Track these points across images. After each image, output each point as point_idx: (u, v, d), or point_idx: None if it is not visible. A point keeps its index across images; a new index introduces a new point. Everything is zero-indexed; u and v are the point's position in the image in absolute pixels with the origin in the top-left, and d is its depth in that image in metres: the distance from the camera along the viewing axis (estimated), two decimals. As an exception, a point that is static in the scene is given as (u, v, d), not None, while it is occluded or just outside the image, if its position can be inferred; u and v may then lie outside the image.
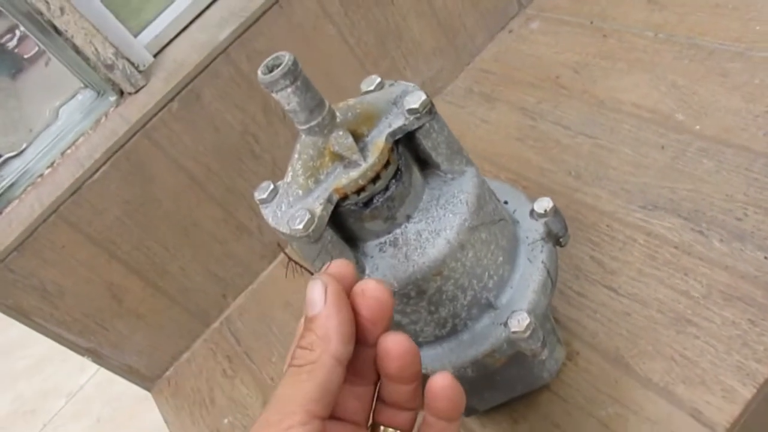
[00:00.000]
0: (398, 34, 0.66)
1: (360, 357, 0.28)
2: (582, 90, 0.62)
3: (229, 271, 0.66)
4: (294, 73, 0.30)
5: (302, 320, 0.28)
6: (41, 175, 0.58)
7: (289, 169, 0.34)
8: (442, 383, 0.27)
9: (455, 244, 0.34)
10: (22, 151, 0.59)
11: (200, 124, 0.59)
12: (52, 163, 0.58)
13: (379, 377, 0.29)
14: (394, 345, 0.27)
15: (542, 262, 0.38)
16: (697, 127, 0.53)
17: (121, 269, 0.60)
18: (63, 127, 0.59)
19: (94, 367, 0.63)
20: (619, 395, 0.43)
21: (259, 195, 0.35)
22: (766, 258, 0.44)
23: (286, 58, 0.30)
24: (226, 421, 0.59)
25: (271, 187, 0.35)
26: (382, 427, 0.29)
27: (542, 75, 0.66)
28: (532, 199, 0.41)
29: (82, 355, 0.62)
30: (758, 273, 0.43)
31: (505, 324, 0.36)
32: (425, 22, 0.68)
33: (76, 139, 0.58)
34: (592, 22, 0.68)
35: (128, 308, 0.62)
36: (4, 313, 0.56)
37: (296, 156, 0.33)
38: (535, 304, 0.37)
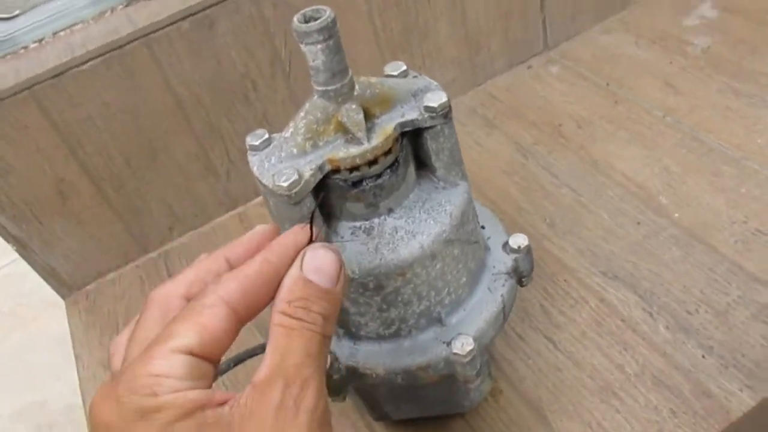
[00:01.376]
0: (425, 32, 0.66)
1: None
2: (579, 145, 0.63)
3: (184, 206, 0.64)
4: (330, 31, 0.29)
5: (296, 272, 0.27)
6: (26, 47, 0.55)
7: (291, 125, 0.33)
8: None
9: (428, 251, 0.34)
10: (13, 17, 0.56)
11: (204, 53, 0.57)
12: (41, 40, 0.55)
13: None
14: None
15: (501, 295, 0.38)
16: (677, 215, 0.54)
17: (76, 169, 0.57)
18: (63, 8, 0.56)
19: (11, 257, 0.60)
20: (528, 444, 0.43)
21: (252, 140, 0.34)
22: (703, 357, 0.45)
23: (327, 13, 0.29)
24: (134, 352, 0.57)
25: (266, 136, 0.34)
26: None
27: (546, 118, 0.67)
28: (509, 232, 0.41)
29: (8, 241, 0.59)
30: (692, 369, 0.44)
31: (449, 343, 0.35)
32: (453, 30, 0.67)
33: (74, 24, 0.55)
34: (608, 84, 0.68)
35: (71, 210, 0.59)
36: (-57, 174, 0.53)
37: (302, 114, 0.32)
38: (482, 333, 0.36)
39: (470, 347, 0.35)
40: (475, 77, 0.72)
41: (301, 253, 0.28)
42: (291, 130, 0.32)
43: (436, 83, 0.34)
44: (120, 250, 0.64)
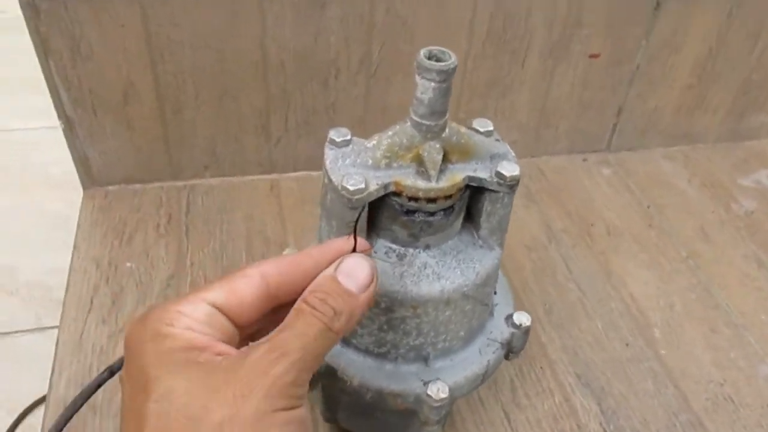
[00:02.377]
0: (507, 90, 0.68)
1: None
2: (602, 251, 0.65)
3: (226, 152, 0.66)
4: (448, 75, 0.31)
5: (328, 271, 0.30)
6: (153, -44, 0.57)
7: (376, 137, 0.35)
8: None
9: (445, 296, 0.36)
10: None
11: (307, 27, 0.59)
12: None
13: None
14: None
15: (488, 360, 0.40)
16: (663, 352, 0.56)
17: (149, 80, 0.59)
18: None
19: (47, 121, 0.61)
20: (451, 500, 0.45)
21: (334, 135, 0.36)
22: (637, 490, 0.47)
23: (451, 59, 0.31)
24: (129, 264, 0.59)
25: (348, 136, 0.36)
26: None
27: (582, 213, 0.69)
28: (515, 307, 0.43)
29: (59, 117, 0.61)
30: (623, 496, 0.46)
31: (426, 384, 0.37)
32: (533, 99, 0.70)
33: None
34: (648, 207, 0.71)
35: (127, 114, 0.61)
36: (31, 37, 0.55)
37: (390, 133, 0.34)
38: (459, 387, 0.38)
39: (444, 395, 0.37)
40: (534, 148, 0.74)
41: (342, 259, 0.31)
42: (374, 142, 0.34)
43: (513, 154, 0.36)
44: (153, 168, 0.66)
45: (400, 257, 0.36)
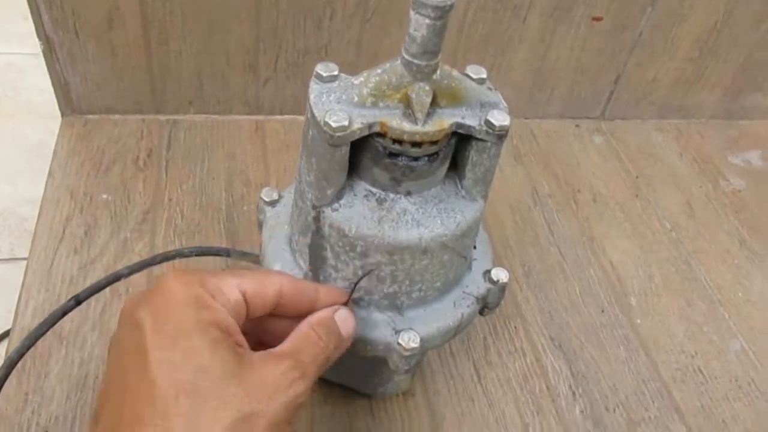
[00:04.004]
0: (505, 47, 0.66)
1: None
2: (586, 217, 0.65)
3: (212, 89, 0.64)
4: (444, 13, 0.30)
5: (331, 314, 0.34)
6: None
7: (364, 74, 0.33)
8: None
9: (423, 245, 0.35)
10: None
11: (304, -37, 0.57)
12: None
13: None
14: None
15: (462, 314, 0.39)
16: (638, 320, 0.56)
17: (135, 5, 0.57)
18: None
19: (26, 47, 0.59)
20: (414, 450, 0.45)
21: (321, 70, 0.34)
22: (599, 453, 0.47)
23: (449, -2, 0.30)
24: (105, 196, 0.58)
25: (335, 72, 0.34)
26: None
27: (569, 179, 0.68)
28: (494, 263, 0.42)
29: (39, 38, 0.59)
30: (585, 458, 0.47)
31: (397, 333, 0.37)
32: (531, 59, 0.68)
33: None
34: (637, 177, 0.70)
35: (111, 39, 0.59)
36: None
37: (379, 71, 0.33)
38: (430, 338, 0.38)
39: (415, 345, 0.36)
40: (526, 110, 0.73)
41: (338, 306, 0.35)
42: (361, 79, 0.33)
43: (505, 104, 0.35)
44: (135, 99, 0.64)
45: (380, 201, 0.35)
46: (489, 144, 0.35)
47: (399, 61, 0.33)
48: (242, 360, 0.28)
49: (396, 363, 0.37)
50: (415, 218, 0.35)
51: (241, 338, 0.30)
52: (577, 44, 0.68)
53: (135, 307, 0.29)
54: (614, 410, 0.50)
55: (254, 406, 0.27)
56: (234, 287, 0.31)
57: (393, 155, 0.34)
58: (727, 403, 0.52)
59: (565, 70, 0.70)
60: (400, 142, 0.33)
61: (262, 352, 0.30)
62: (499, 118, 0.34)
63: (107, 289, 0.45)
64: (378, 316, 0.38)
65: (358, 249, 0.35)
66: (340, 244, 0.35)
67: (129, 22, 0.58)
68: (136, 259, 0.53)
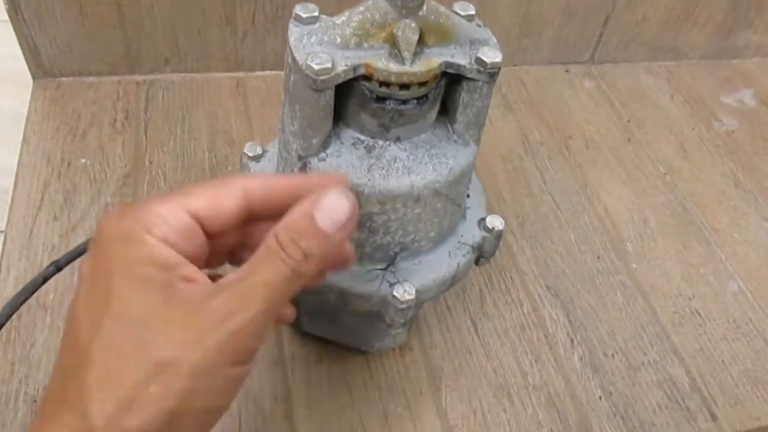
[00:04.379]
0: (490, -9, 0.64)
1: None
2: (578, 163, 0.63)
3: (189, 46, 0.62)
4: (427, -58, 0.28)
5: (304, 207, 0.27)
6: None
7: (346, 14, 0.31)
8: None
9: (415, 192, 0.33)
10: None
11: None
12: None
13: None
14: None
15: (458, 263, 0.38)
16: (634, 265, 0.56)
17: (102, -41, 0.54)
18: None
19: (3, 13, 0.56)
20: (413, 405, 0.45)
21: (300, 11, 0.32)
22: (600, 398, 0.47)
23: (432, -77, 0.28)
24: (83, 160, 0.56)
25: (315, 13, 0.32)
26: None
27: (561, 125, 0.67)
28: (488, 211, 0.41)
29: (2, -2, 0.56)
30: (585, 404, 0.46)
31: (392, 285, 0.36)
32: (515, 2, 0.66)
33: None
34: (629, 121, 0.69)
35: (78, -2, 0.56)
36: None
37: (361, 8, 0.31)
38: (426, 289, 0.37)
39: (410, 297, 0.35)
40: (514, 56, 0.71)
41: (325, 191, 0.27)
42: (343, 18, 0.31)
43: (495, 41, 0.34)
44: (109, 59, 0.61)
45: (369, 149, 0.34)
46: (480, 83, 0.33)
47: (382, -2, 0.31)
48: (170, 300, 0.25)
49: (391, 317, 0.36)
50: (405, 165, 0.33)
51: (190, 270, 0.26)
52: (564, -15, 0.66)
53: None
54: (613, 356, 0.49)
55: (176, 353, 0.23)
56: (179, 210, 0.27)
57: (380, 99, 0.32)
58: (725, 344, 0.51)
59: (552, 13, 0.68)
60: (387, 84, 0.31)
61: (202, 286, 0.26)
62: (490, 55, 0.32)
63: (89, 255, 0.44)
64: (371, 269, 0.37)
65: (348, 200, 0.34)
66: (329, 195, 0.34)
67: (96, -24, 0.55)
68: (119, 224, 0.51)
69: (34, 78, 0.61)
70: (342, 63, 0.30)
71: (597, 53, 0.73)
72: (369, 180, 0.33)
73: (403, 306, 0.35)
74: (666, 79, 0.75)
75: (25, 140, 0.57)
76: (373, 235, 0.35)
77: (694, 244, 0.58)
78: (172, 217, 0.26)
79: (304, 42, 0.31)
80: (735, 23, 0.76)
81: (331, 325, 0.43)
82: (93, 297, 0.25)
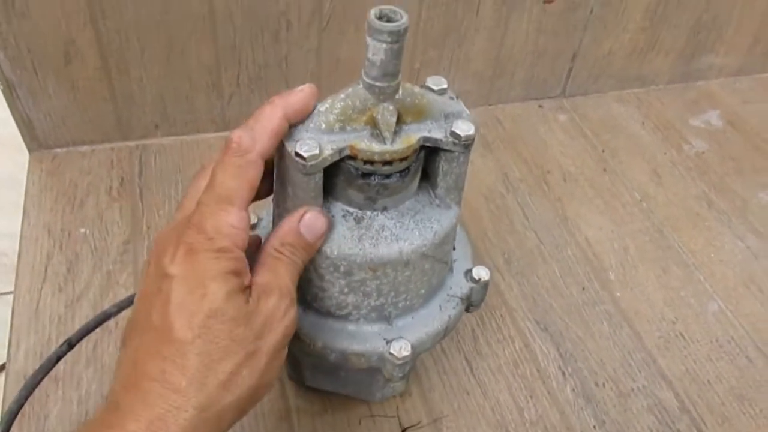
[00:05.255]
0: (462, 39, 0.67)
1: None
2: (558, 197, 0.66)
3: (177, 111, 0.64)
4: (399, 37, 0.31)
5: (294, 225, 0.35)
6: None
7: (329, 101, 0.34)
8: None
9: (404, 258, 0.36)
10: None
11: (254, -23, 0.57)
12: None
13: None
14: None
15: (449, 316, 0.40)
16: (618, 294, 0.58)
17: (91, 37, 0.57)
18: None
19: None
20: (417, 448, 0.47)
21: (286, 99, 0.35)
22: (594, 428, 0.49)
23: (403, 19, 0.31)
24: (83, 230, 0.58)
25: (300, 101, 0.35)
26: None
27: (538, 161, 0.69)
28: (474, 261, 0.44)
29: (-2, 82, 0.58)
30: (580, 434, 0.49)
31: (388, 343, 0.38)
32: (488, 48, 0.69)
33: None
34: (603, 151, 0.72)
35: (70, 73, 0.59)
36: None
37: (342, 96, 0.34)
38: (421, 343, 0.39)
39: (407, 353, 0.37)
40: (489, 97, 0.74)
41: (304, 209, 0.34)
42: (327, 105, 0.34)
43: (468, 112, 0.36)
44: (101, 128, 0.64)
45: (358, 220, 0.36)
46: (457, 153, 0.36)
47: (361, 85, 0.33)
48: (249, 303, 0.31)
49: (390, 372, 0.38)
50: (393, 233, 0.36)
51: (249, 277, 0.32)
52: (531, 28, 0.69)
53: (163, 255, 0.31)
54: (604, 385, 0.52)
55: (257, 344, 0.31)
56: (242, 212, 0.32)
57: (366, 175, 0.35)
58: (710, 364, 0.54)
59: (522, 54, 0.71)
60: (371, 162, 0.34)
61: (255, 291, 0.32)
62: (464, 128, 0.35)
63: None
64: (368, 329, 0.39)
65: (342, 269, 0.36)
66: (324, 265, 0.36)
67: (86, 54, 0.58)
68: (121, 290, 0.53)
69: (29, 150, 0.64)
70: (328, 147, 0.33)
71: (568, 87, 0.77)
72: (360, 249, 0.35)
73: (401, 362, 0.38)
74: (636, 107, 0.78)
75: (25, 212, 0.59)
76: (368, 298, 0.37)
77: (673, 268, 0.61)
78: (238, 221, 0.32)
79: (292, 131, 0.34)
80: (697, 47, 0.80)
81: (333, 379, 0.45)
82: (191, 299, 0.30)
